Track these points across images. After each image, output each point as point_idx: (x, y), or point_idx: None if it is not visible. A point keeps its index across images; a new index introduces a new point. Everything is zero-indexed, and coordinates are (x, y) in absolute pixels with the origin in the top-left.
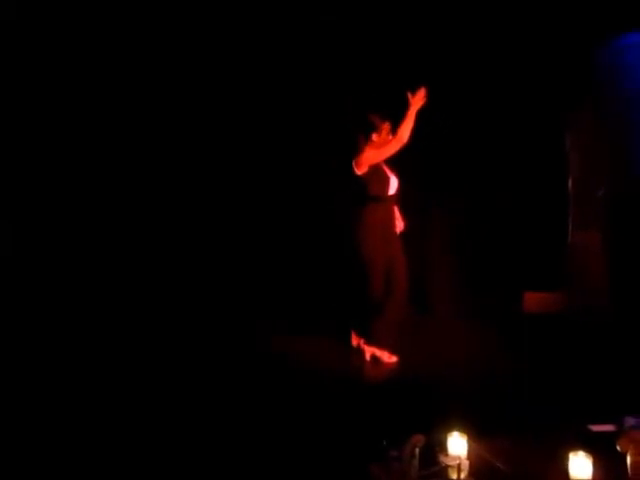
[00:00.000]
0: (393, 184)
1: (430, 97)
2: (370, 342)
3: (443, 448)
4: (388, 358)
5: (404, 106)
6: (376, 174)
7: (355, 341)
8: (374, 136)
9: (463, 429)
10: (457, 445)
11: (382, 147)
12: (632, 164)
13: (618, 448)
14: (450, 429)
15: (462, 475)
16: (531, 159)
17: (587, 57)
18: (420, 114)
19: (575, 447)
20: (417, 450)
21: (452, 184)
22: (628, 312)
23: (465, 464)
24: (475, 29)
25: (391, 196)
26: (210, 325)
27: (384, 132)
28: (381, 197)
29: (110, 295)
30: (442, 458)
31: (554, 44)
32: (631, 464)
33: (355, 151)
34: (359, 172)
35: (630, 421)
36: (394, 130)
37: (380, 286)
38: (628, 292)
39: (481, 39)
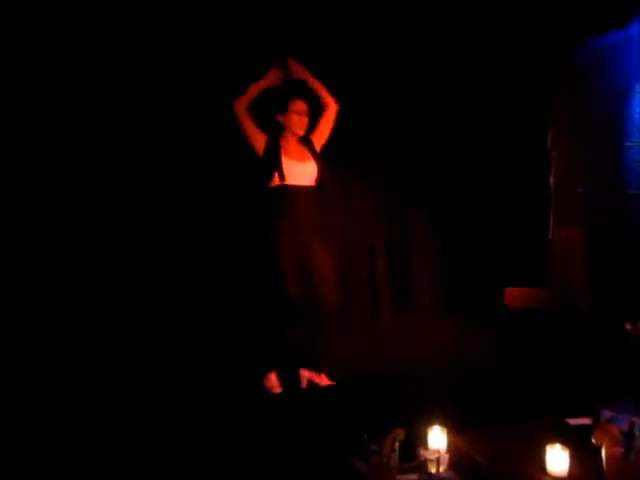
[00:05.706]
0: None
1: (412, 94)
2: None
3: (423, 442)
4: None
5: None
6: None
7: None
8: None
9: (443, 423)
10: (437, 439)
11: None
12: (611, 162)
13: (594, 440)
14: (430, 423)
15: (441, 468)
16: (513, 157)
17: (568, 57)
18: (401, 113)
19: (552, 440)
20: (397, 444)
21: (434, 182)
22: (606, 306)
23: (444, 457)
24: (459, 32)
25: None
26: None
27: None
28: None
29: (107, 294)
30: (422, 452)
31: (536, 45)
32: (606, 456)
33: None
34: None
35: (606, 414)
36: None
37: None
38: (606, 286)
39: (464, 42)
